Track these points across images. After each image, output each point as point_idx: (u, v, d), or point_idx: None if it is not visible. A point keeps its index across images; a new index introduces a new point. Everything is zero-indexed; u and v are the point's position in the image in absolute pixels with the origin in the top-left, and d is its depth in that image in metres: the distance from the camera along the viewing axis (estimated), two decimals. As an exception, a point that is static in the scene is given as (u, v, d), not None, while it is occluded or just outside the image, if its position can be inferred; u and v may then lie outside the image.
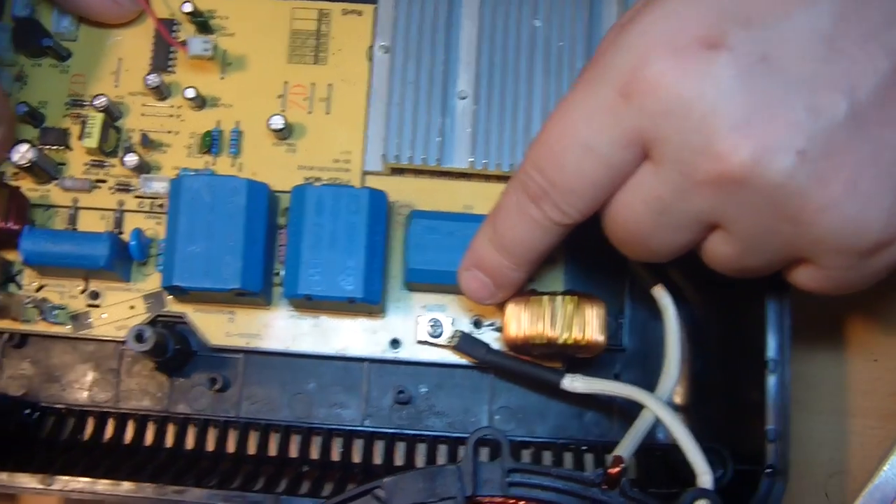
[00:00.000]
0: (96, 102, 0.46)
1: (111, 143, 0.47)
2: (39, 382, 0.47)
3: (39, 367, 0.47)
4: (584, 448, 0.47)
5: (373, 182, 0.47)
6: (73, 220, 0.47)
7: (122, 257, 0.45)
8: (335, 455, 0.46)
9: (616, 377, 0.47)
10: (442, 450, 0.46)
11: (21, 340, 0.47)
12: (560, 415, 0.47)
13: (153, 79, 0.47)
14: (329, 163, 0.47)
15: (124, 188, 0.47)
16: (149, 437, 0.46)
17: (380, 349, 0.46)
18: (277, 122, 0.46)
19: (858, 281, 0.36)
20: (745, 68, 0.33)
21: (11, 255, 0.47)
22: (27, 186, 0.47)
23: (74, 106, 0.48)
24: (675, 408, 0.47)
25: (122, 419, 0.46)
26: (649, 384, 0.43)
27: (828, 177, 0.33)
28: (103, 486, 0.41)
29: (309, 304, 0.45)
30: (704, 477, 0.39)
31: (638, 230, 0.37)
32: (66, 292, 0.46)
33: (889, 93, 0.33)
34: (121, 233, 0.47)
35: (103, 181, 0.47)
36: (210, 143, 0.47)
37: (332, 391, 0.47)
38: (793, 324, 0.41)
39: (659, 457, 0.46)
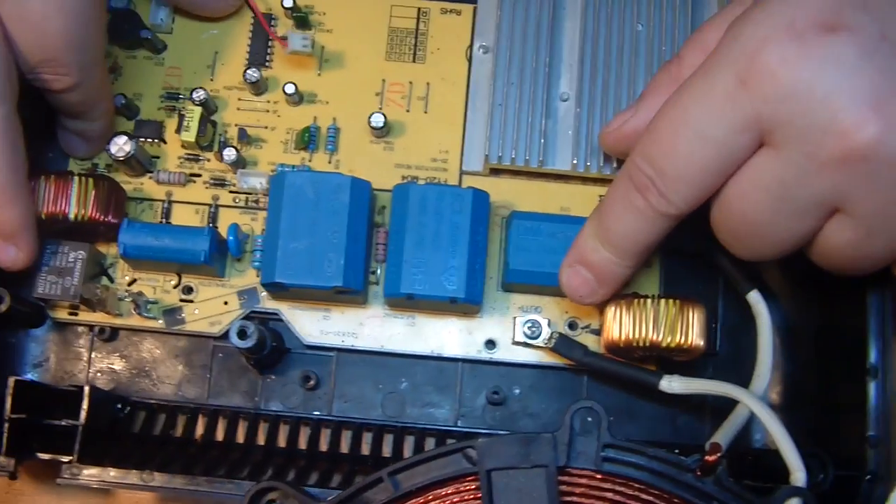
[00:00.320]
0: (195, 96, 0.46)
1: (208, 137, 0.47)
2: (129, 377, 0.47)
3: (129, 362, 0.47)
4: (676, 451, 0.46)
5: (470, 182, 0.47)
6: (167, 213, 0.47)
7: (219, 252, 0.45)
8: (428, 455, 0.46)
9: (708, 381, 0.47)
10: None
11: (111, 334, 0.47)
12: (652, 417, 0.47)
13: (253, 73, 0.46)
14: (427, 162, 0.47)
15: (219, 183, 0.47)
16: (240, 435, 0.46)
17: (475, 349, 0.46)
18: (378, 120, 0.46)
19: None
20: (866, 47, 0.33)
21: (103, 248, 0.46)
22: (119, 179, 0.47)
23: (169, 99, 0.48)
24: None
25: (213, 416, 0.46)
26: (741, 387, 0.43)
27: None
28: (202, 483, 0.41)
29: (407, 303, 0.45)
30: (798, 474, 0.40)
31: (756, 219, 0.37)
32: (158, 286, 0.46)
33: None
34: (214, 228, 0.46)
35: (198, 175, 0.47)
36: (308, 139, 0.47)
37: (425, 391, 0.46)
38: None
39: (750, 461, 0.46)
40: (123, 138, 0.45)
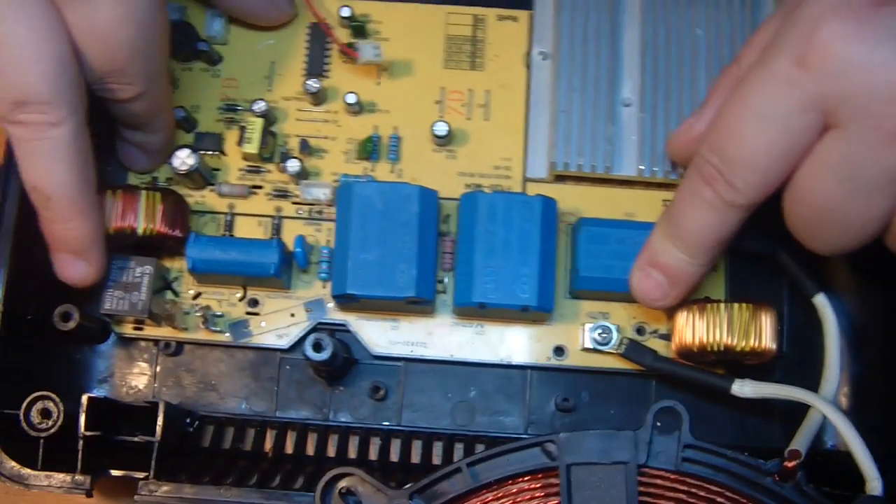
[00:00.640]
0: (255, 107, 0.46)
1: (269, 148, 0.47)
2: (195, 392, 0.46)
3: (195, 376, 0.46)
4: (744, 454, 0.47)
5: (534, 188, 0.47)
6: (229, 226, 0.46)
7: (286, 264, 0.45)
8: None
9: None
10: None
11: (177, 349, 0.46)
12: (721, 421, 0.47)
13: (314, 84, 0.46)
14: (490, 169, 0.47)
15: (282, 194, 0.47)
16: (310, 448, 0.46)
17: (543, 357, 0.46)
18: (442, 129, 0.46)
19: None
20: None
21: (167, 262, 0.46)
22: (180, 192, 0.46)
23: (228, 111, 0.47)
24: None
25: (282, 429, 0.46)
26: (808, 390, 0.43)
27: None
28: (280, 497, 0.41)
29: (477, 312, 0.45)
30: (874, 483, 0.40)
31: (827, 205, 0.37)
32: (224, 300, 0.46)
33: None
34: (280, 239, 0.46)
35: (259, 187, 0.47)
36: (371, 148, 0.46)
37: (494, 399, 0.46)
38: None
39: (820, 462, 0.46)
40: (186, 151, 0.45)
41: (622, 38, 0.47)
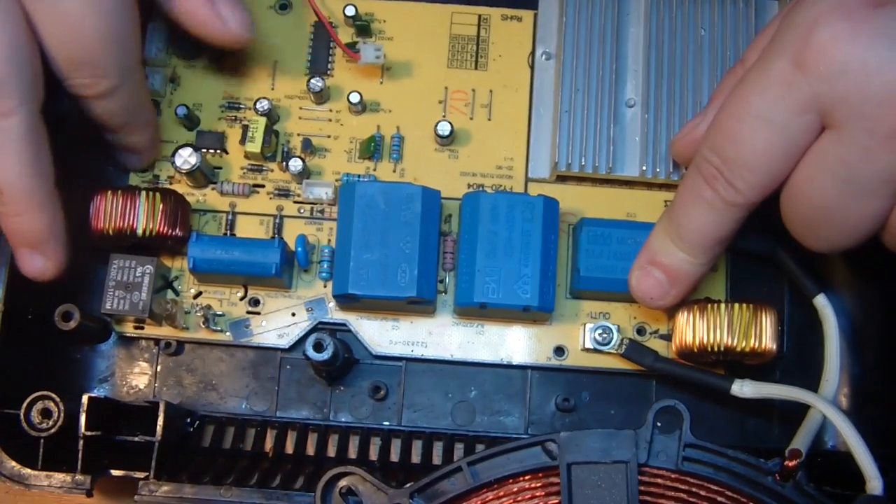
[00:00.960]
0: (259, 106, 0.46)
1: (272, 147, 0.46)
2: (196, 391, 0.46)
3: (195, 376, 0.46)
4: (744, 455, 0.47)
5: (536, 188, 0.47)
6: (231, 225, 0.46)
7: (288, 264, 0.45)
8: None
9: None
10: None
11: (177, 348, 0.46)
12: (720, 421, 0.47)
13: (317, 83, 0.46)
14: (492, 169, 0.47)
15: (284, 193, 0.46)
16: (310, 447, 0.46)
17: (544, 356, 0.46)
18: (445, 129, 0.46)
19: None
20: None
21: (167, 261, 0.46)
22: (181, 191, 0.46)
23: (230, 109, 0.47)
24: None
25: (282, 428, 0.46)
26: (808, 390, 0.43)
27: None
28: (281, 497, 0.41)
29: (478, 311, 0.45)
30: (874, 482, 0.40)
31: (824, 204, 0.37)
32: (224, 299, 0.46)
33: None
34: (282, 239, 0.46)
35: (261, 186, 0.47)
36: (374, 148, 0.46)
37: (494, 399, 0.46)
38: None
39: (820, 462, 0.46)
40: (188, 150, 0.45)
41: (626, 39, 0.47)
